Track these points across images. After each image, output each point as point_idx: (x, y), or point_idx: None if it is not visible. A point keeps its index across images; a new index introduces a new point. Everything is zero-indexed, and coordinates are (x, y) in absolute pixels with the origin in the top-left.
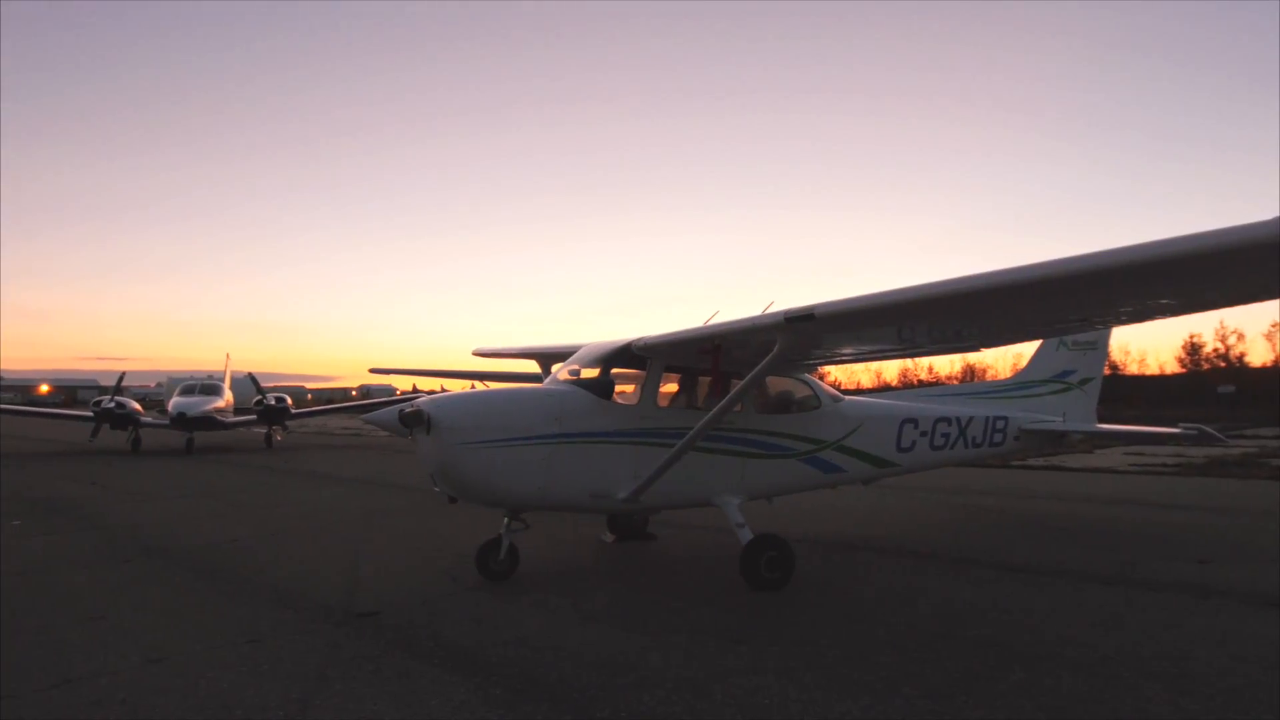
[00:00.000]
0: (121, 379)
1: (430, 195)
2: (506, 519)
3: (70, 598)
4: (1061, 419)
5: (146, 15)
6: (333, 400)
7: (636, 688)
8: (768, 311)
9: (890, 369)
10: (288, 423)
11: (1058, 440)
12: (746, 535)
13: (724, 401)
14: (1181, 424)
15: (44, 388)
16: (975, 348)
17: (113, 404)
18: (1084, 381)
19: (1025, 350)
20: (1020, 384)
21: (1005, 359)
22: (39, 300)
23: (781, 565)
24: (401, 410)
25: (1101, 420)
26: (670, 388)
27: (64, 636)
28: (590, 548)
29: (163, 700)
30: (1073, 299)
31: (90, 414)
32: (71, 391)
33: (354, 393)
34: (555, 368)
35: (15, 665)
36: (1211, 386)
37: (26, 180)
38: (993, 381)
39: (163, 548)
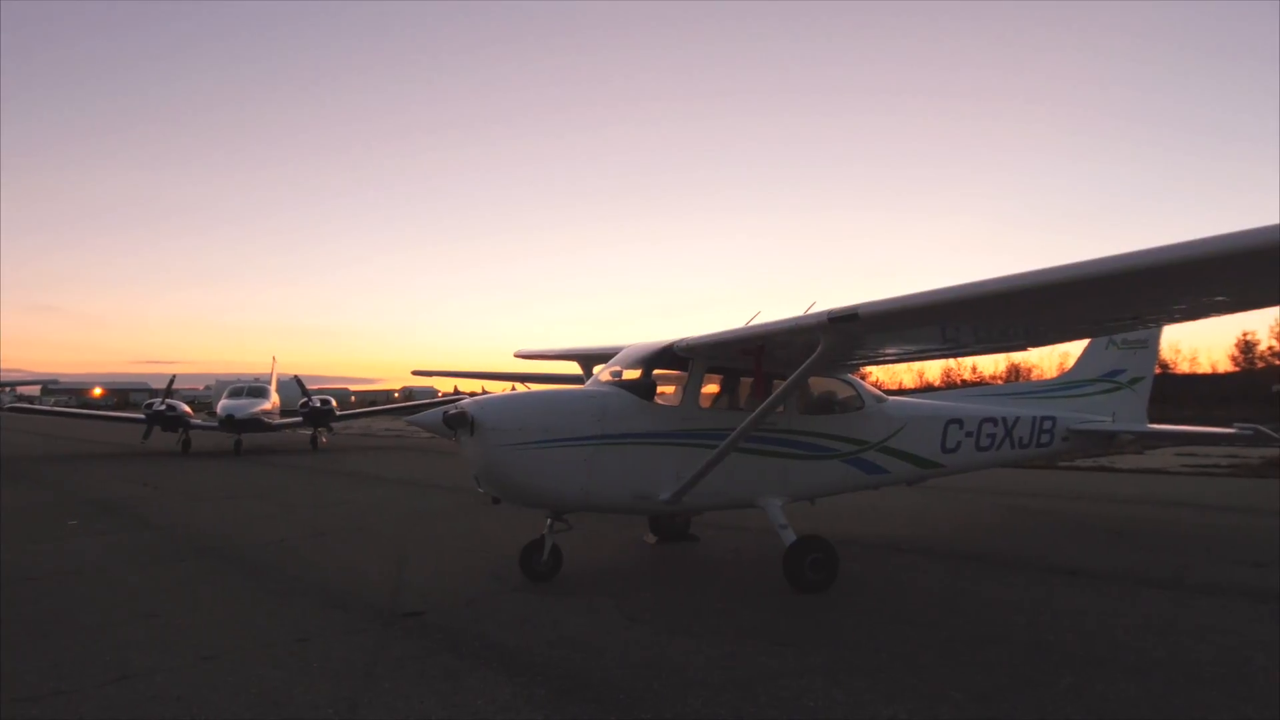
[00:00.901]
0: (172, 382)
1: (472, 198)
2: (549, 520)
3: (126, 596)
4: (1111, 419)
5: (194, 24)
6: (375, 402)
7: (681, 689)
8: (810, 312)
9: (933, 369)
10: (332, 424)
11: (1107, 441)
12: (790, 536)
13: (766, 402)
14: (1236, 424)
15: (97, 391)
16: (1022, 347)
17: (164, 406)
18: (1134, 381)
19: (1071, 349)
20: (1068, 383)
21: (1051, 358)
22: (92, 306)
23: (826, 567)
24: (446, 412)
25: (1152, 420)
26: (712, 389)
27: (121, 634)
28: (632, 549)
29: (216, 697)
30: (1125, 297)
31: (142, 416)
32: (123, 394)
33: (396, 394)
34: (597, 369)
35: (75, 661)
36: (1266, 385)
37: (81, 189)
38: (1039, 381)
39: (213, 547)
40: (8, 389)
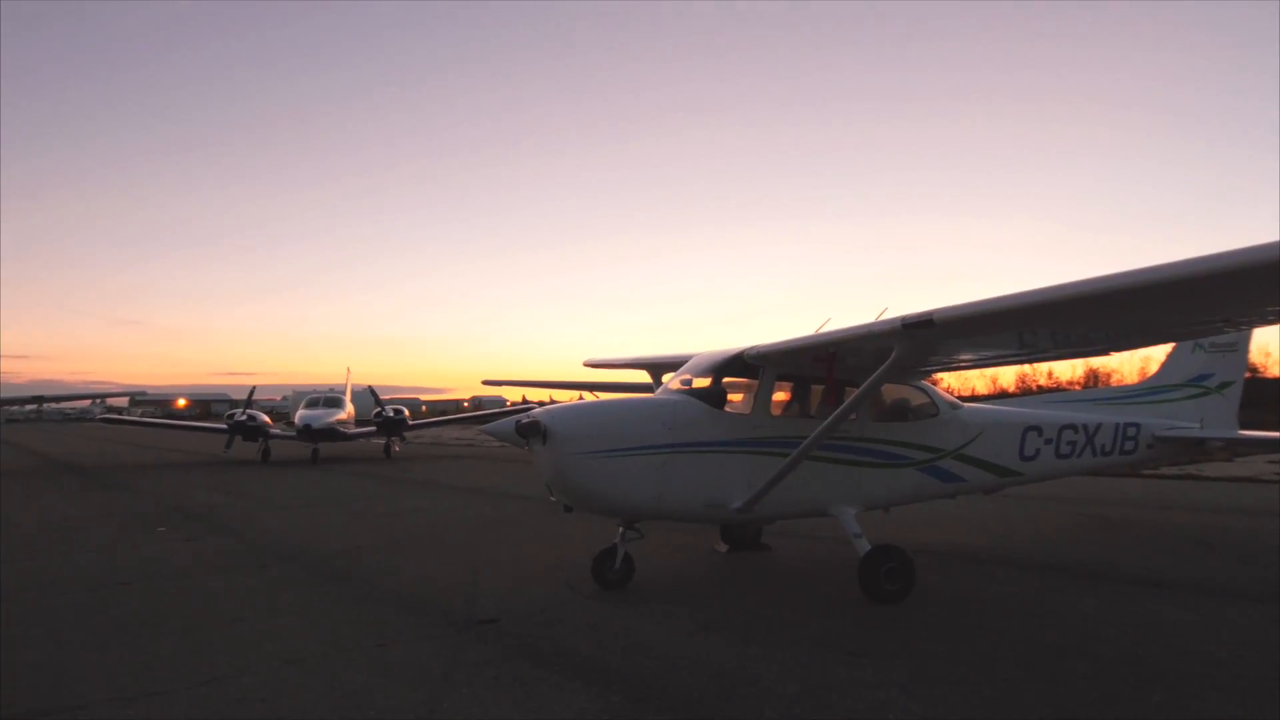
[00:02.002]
0: (252, 393)
1: (540, 207)
2: (621, 528)
3: (212, 600)
4: (1199, 425)
5: (263, 41)
6: (446, 411)
7: (757, 699)
8: (882, 318)
9: (1007, 374)
10: (405, 433)
11: (1195, 448)
12: (864, 546)
13: (839, 410)
14: None
15: (181, 402)
16: (1103, 352)
17: (245, 417)
18: (1223, 385)
19: (1154, 353)
20: (1152, 389)
21: (1131, 363)
22: (176, 320)
23: (902, 577)
24: (518, 421)
25: (1243, 426)
26: (783, 396)
27: (209, 637)
28: (704, 558)
29: (301, 700)
30: (1214, 299)
31: (224, 426)
32: (205, 405)
33: (466, 404)
34: (666, 377)
35: (167, 663)
36: None
37: (158, 206)
38: (1121, 387)
39: (294, 554)
40: (98, 400)
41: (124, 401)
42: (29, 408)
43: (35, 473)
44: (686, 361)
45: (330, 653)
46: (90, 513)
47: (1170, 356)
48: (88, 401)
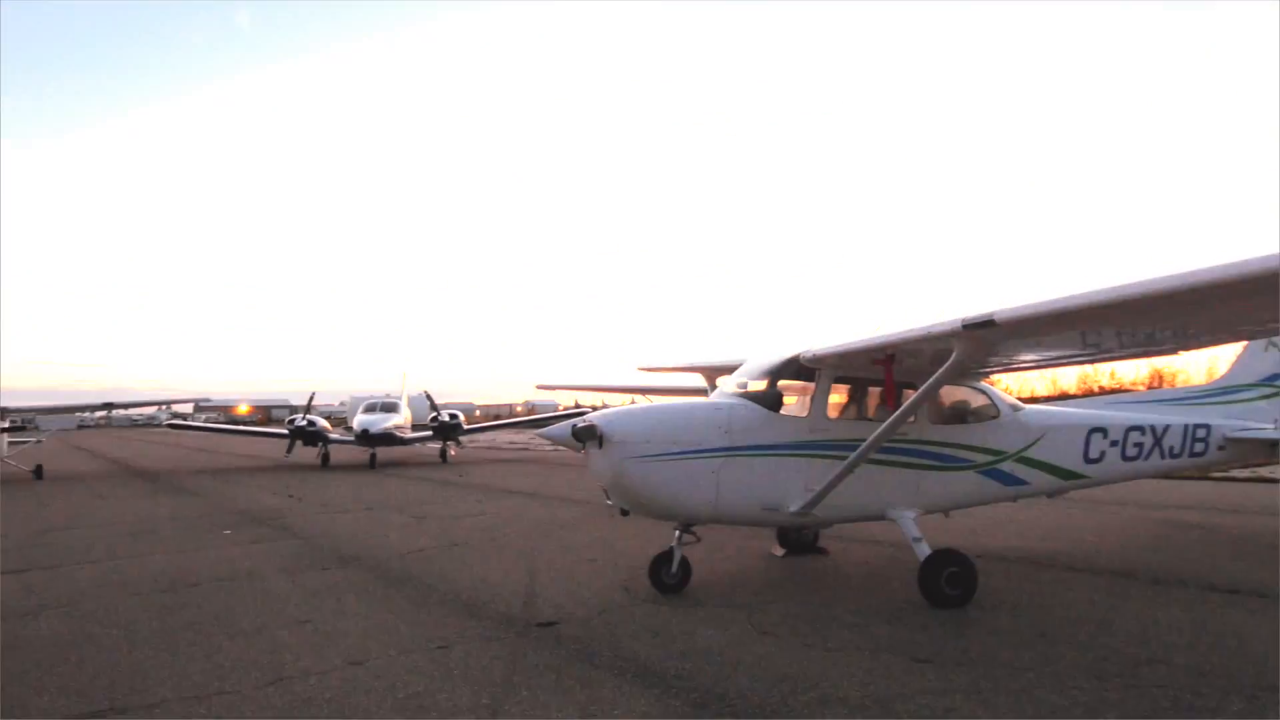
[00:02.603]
0: (312, 399)
1: (593, 211)
2: (678, 532)
3: (278, 602)
4: (1273, 426)
5: (320, 51)
6: (499, 416)
7: (819, 704)
8: (942, 318)
9: (1067, 375)
10: (460, 438)
11: (1269, 450)
12: (924, 550)
13: (898, 412)
14: None
15: (243, 408)
16: (1171, 351)
17: (305, 422)
18: None
19: (1220, 352)
20: (1222, 389)
21: (1198, 363)
22: (240, 326)
23: (963, 582)
24: (575, 425)
25: None
26: (839, 399)
27: (275, 638)
28: (761, 561)
29: (365, 701)
30: None
31: (284, 431)
32: (266, 410)
33: (518, 408)
34: (721, 380)
35: (235, 663)
36: None
37: (225, 217)
38: (1189, 387)
39: (355, 556)
40: (164, 406)
41: (189, 408)
42: (99, 415)
43: (107, 477)
44: (741, 364)
45: (393, 654)
46: (159, 516)
47: (1241, 356)
48: (154, 408)
